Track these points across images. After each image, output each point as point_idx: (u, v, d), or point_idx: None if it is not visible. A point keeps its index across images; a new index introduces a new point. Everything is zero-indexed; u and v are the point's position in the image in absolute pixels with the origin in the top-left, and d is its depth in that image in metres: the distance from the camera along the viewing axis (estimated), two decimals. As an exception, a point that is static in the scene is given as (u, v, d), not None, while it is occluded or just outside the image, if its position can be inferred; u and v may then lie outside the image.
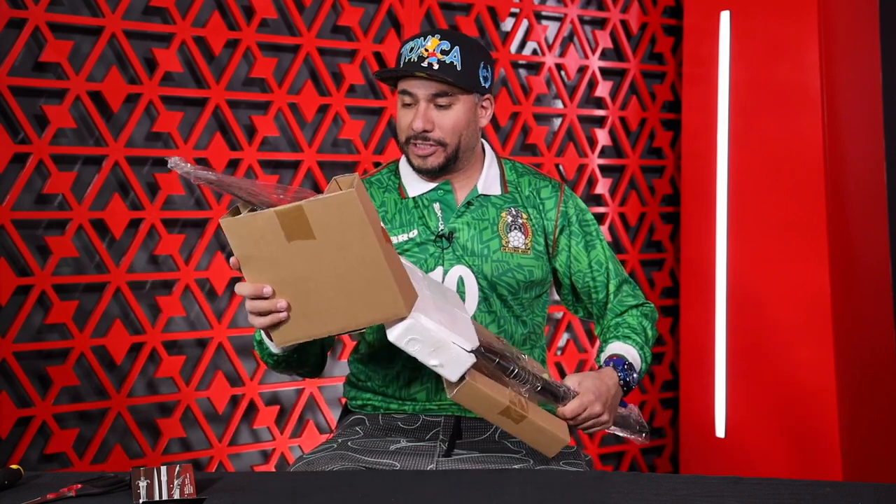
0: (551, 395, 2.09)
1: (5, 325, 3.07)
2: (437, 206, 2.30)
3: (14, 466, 1.87)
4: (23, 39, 3.06)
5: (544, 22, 4.04)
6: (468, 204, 2.31)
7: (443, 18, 3.74)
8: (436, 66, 2.20)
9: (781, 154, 3.84)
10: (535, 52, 4.01)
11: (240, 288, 1.91)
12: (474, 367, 1.97)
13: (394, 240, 2.25)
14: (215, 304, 3.41)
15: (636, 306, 2.40)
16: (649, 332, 2.36)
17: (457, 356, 1.91)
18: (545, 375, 2.11)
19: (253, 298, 1.90)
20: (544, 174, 2.42)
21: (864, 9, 3.90)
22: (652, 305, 2.43)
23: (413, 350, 1.90)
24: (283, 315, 1.90)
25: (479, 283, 2.26)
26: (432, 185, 2.31)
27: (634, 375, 2.25)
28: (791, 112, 3.82)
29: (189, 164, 1.79)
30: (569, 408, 2.10)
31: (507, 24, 3.96)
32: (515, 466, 2.13)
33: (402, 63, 2.24)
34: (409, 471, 2.12)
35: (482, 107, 2.31)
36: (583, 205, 2.41)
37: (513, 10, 3.93)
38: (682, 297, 4.18)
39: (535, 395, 2.07)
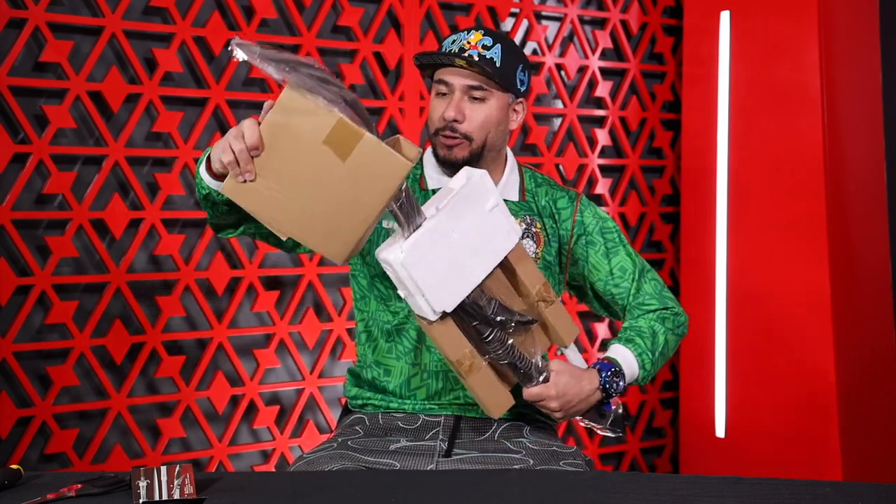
0: (520, 374, 2.13)
1: (5, 325, 3.07)
2: None
3: (14, 466, 1.86)
4: (23, 39, 3.06)
5: (544, 22, 4.04)
6: None
7: (443, 18, 3.75)
8: (476, 58, 2.21)
9: (781, 154, 3.84)
10: (535, 52, 4.01)
11: (247, 125, 1.86)
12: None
13: None
14: (215, 304, 3.41)
15: (657, 310, 2.38)
16: (660, 338, 2.33)
17: (419, 305, 1.97)
18: (535, 357, 2.13)
19: (243, 143, 1.86)
20: (562, 185, 2.43)
21: (864, 9, 3.90)
22: (678, 311, 2.39)
23: (389, 273, 1.96)
24: (240, 178, 1.87)
25: (514, 218, 2.27)
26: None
27: (621, 384, 2.25)
28: (791, 112, 3.82)
29: (255, 46, 1.77)
30: (530, 392, 2.15)
31: (507, 24, 3.96)
32: (515, 466, 2.13)
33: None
34: (409, 471, 2.12)
35: (514, 110, 2.31)
36: (602, 213, 2.40)
37: (513, 10, 3.93)
38: (682, 297, 4.18)
39: (502, 366, 2.10)
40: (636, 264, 2.39)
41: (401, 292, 1.98)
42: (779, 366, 3.84)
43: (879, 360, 3.88)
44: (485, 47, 2.23)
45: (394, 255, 1.92)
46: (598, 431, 2.31)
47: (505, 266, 2.08)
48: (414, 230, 1.93)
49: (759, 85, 3.93)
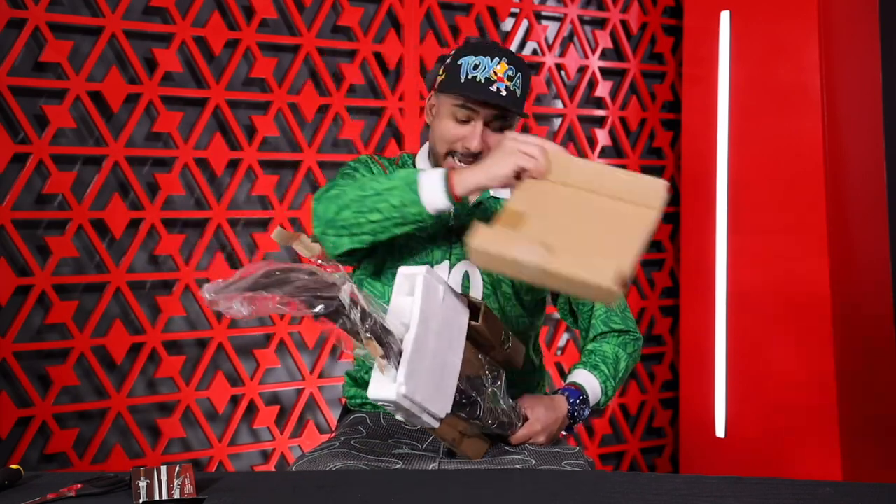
0: (504, 427, 2.18)
1: (5, 325, 3.07)
2: None
3: (14, 466, 1.86)
4: (23, 39, 3.06)
5: (544, 22, 4.04)
6: (478, 204, 2.33)
7: (443, 18, 3.74)
8: (504, 93, 2.21)
9: (781, 154, 3.84)
10: (535, 52, 4.01)
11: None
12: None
13: None
14: (215, 304, 3.41)
15: (620, 332, 2.42)
16: (622, 364, 2.38)
17: (422, 420, 1.96)
18: (502, 405, 2.15)
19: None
20: None
21: (864, 9, 3.90)
22: (637, 336, 2.44)
23: (386, 407, 1.92)
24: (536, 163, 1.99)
25: (483, 280, 2.27)
26: None
27: (586, 411, 2.31)
28: (791, 112, 3.82)
29: (219, 286, 1.77)
30: (517, 437, 2.20)
31: (507, 24, 3.96)
32: (517, 466, 2.13)
33: (463, 77, 2.22)
34: (410, 470, 2.12)
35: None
36: None
37: (513, 10, 3.93)
38: (682, 297, 4.18)
39: (492, 430, 2.15)
40: None
41: (398, 416, 1.94)
42: (779, 366, 3.84)
43: (879, 359, 3.88)
44: (509, 78, 2.22)
45: (391, 391, 1.87)
46: None
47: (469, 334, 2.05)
48: (395, 355, 1.88)
49: (759, 85, 3.93)
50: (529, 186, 1.99)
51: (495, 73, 2.22)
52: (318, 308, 1.76)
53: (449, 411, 1.97)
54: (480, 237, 1.88)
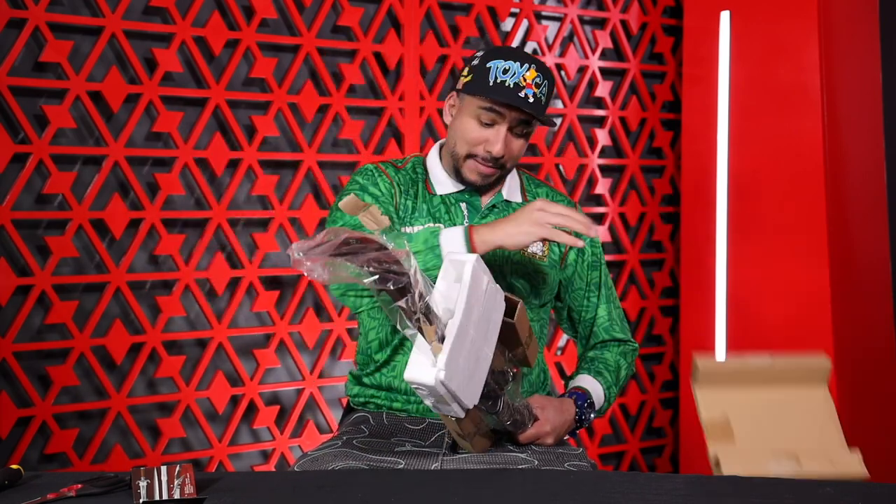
0: (516, 425, 2.19)
1: (5, 325, 3.07)
2: (463, 205, 2.34)
3: (14, 466, 1.86)
4: (23, 39, 3.06)
5: (544, 22, 4.04)
6: (492, 207, 2.34)
7: (443, 18, 3.74)
8: (531, 100, 2.23)
9: (781, 154, 3.84)
10: (535, 52, 4.01)
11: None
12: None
13: (418, 229, 2.26)
14: (215, 304, 3.41)
15: (621, 342, 2.45)
16: (622, 372, 2.43)
17: (450, 408, 1.96)
18: (517, 401, 2.16)
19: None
20: (559, 190, 2.47)
21: (864, 9, 3.90)
22: (635, 346, 2.49)
23: (417, 392, 1.93)
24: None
25: (497, 284, 2.28)
26: (461, 186, 2.33)
27: (591, 415, 2.34)
28: (791, 112, 3.82)
29: (307, 245, 1.76)
30: (526, 435, 2.22)
31: (507, 24, 3.96)
32: (520, 466, 2.13)
33: (492, 80, 2.23)
34: (411, 470, 2.12)
35: None
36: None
37: (513, 10, 3.93)
38: (682, 297, 4.18)
39: (505, 426, 2.15)
40: (609, 285, 2.47)
41: (427, 402, 1.93)
42: (779, 366, 3.84)
43: (879, 360, 3.88)
44: (537, 85, 2.23)
45: (430, 375, 1.86)
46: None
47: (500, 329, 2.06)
48: (438, 339, 1.88)
49: (759, 85, 3.93)
50: (707, 397, 2.14)
51: (524, 80, 2.23)
52: (390, 283, 1.79)
53: (477, 402, 1.97)
54: (727, 465, 2.10)
